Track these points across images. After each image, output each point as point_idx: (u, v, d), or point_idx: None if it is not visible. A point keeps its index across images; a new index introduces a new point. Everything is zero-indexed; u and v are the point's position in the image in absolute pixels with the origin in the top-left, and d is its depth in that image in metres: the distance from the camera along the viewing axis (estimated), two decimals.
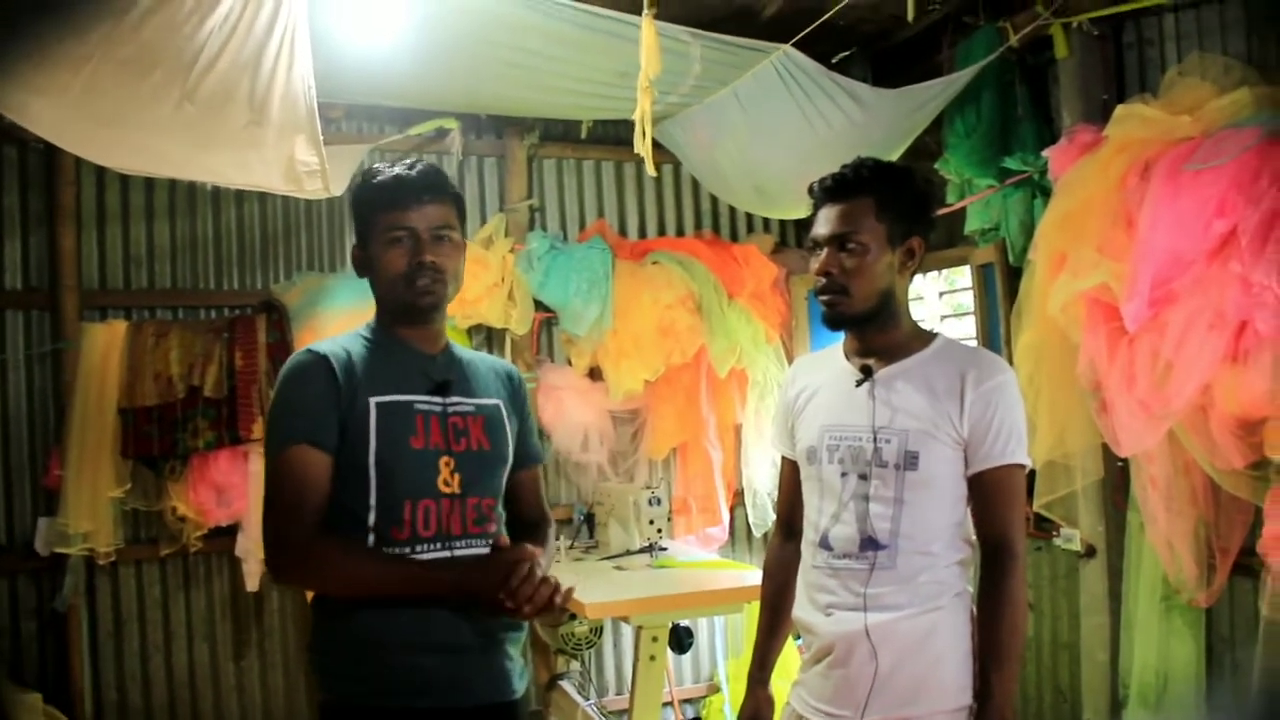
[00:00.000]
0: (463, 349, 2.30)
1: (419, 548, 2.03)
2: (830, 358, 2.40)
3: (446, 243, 2.12)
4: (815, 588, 2.28)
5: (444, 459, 2.07)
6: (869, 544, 2.19)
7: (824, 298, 2.25)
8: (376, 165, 2.20)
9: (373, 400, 2.03)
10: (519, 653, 2.17)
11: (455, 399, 2.14)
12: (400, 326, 2.16)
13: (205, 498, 4.19)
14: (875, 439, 2.20)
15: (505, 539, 2.07)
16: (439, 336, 2.21)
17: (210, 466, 4.19)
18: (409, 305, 2.11)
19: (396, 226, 2.08)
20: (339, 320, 4.09)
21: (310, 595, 2.17)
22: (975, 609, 2.23)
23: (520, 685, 2.14)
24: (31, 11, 2.76)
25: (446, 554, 2.05)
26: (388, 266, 2.09)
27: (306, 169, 3.10)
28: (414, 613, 1.99)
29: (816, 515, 2.29)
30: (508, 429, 2.22)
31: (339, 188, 3.63)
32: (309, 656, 2.12)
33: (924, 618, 2.16)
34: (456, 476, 2.08)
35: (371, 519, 2.02)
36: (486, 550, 2.08)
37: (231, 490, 4.22)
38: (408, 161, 2.16)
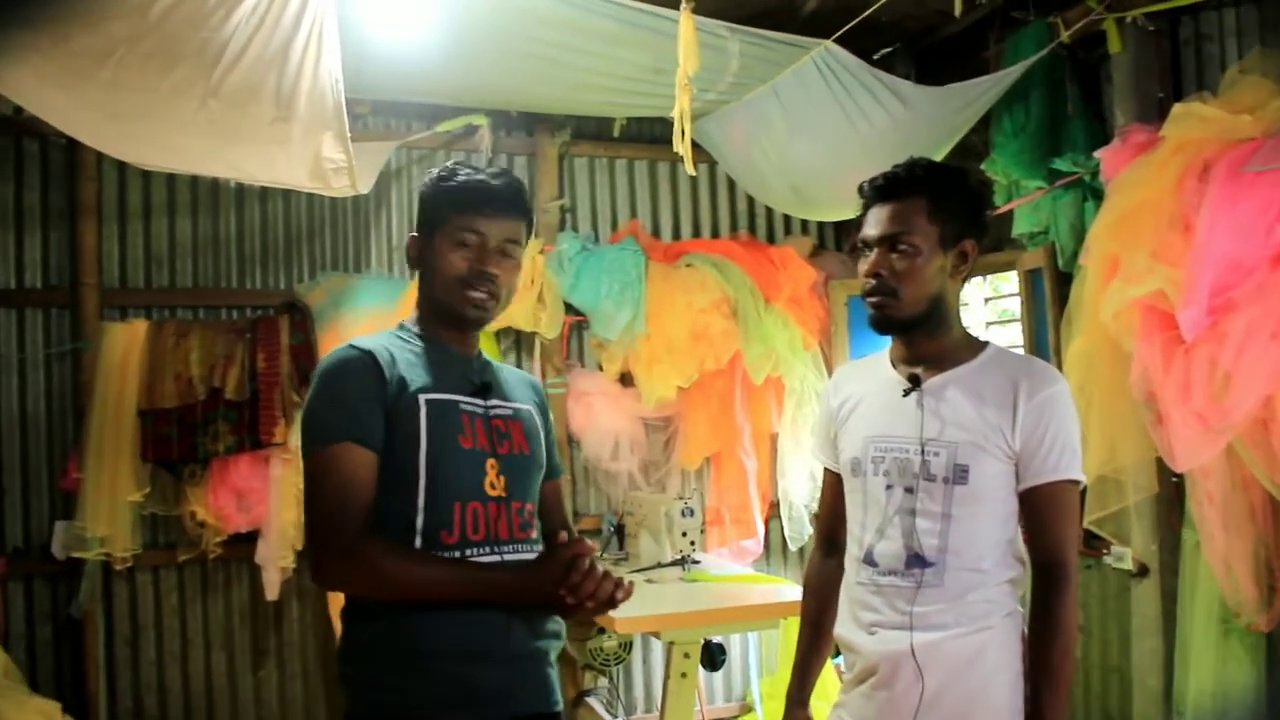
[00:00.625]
0: (489, 357, 2.28)
1: (468, 551, 1.98)
2: (875, 366, 2.33)
3: (509, 259, 2.10)
4: (859, 605, 2.21)
5: (490, 461, 2.04)
6: (915, 560, 2.13)
7: (872, 300, 2.19)
8: (456, 164, 2.17)
9: (423, 398, 2.00)
10: (556, 661, 2.13)
11: (495, 401, 2.12)
12: (440, 328, 2.13)
13: (225, 503, 4.19)
14: (923, 451, 2.14)
15: (565, 535, 2.01)
16: (475, 342, 2.20)
17: (231, 471, 4.19)
18: (457, 313, 2.09)
19: (469, 229, 2.06)
20: (364, 322, 4.07)
21: (340, 605, 2.10)
22: (1027, 630, 2.15)
23: (560, 697, 2.11)
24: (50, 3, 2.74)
25: (496, 559, 2.00)
26: (448, 267, 2.06)
27: (333, 166, 3.09)
28: (464, 618, 1.93)
29: (860, 530, 2.23)
30: (541, 435, 2.20)
31: (366, 186, 3.61)
32: (340, 667, 2.04)
33: (973, 638, 2.10)
34: (502, 479, 2.05)
35: (420, 521, 1.96)
36: (533, 556, 2.04)
37: (252, 496, 4.21)
38: (493, 170, 2.15)
